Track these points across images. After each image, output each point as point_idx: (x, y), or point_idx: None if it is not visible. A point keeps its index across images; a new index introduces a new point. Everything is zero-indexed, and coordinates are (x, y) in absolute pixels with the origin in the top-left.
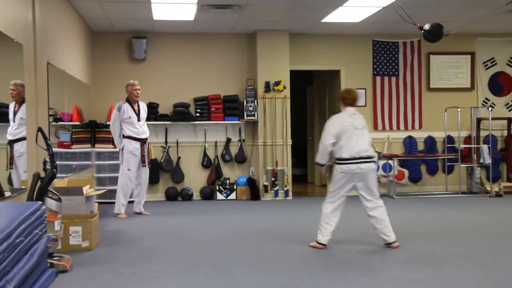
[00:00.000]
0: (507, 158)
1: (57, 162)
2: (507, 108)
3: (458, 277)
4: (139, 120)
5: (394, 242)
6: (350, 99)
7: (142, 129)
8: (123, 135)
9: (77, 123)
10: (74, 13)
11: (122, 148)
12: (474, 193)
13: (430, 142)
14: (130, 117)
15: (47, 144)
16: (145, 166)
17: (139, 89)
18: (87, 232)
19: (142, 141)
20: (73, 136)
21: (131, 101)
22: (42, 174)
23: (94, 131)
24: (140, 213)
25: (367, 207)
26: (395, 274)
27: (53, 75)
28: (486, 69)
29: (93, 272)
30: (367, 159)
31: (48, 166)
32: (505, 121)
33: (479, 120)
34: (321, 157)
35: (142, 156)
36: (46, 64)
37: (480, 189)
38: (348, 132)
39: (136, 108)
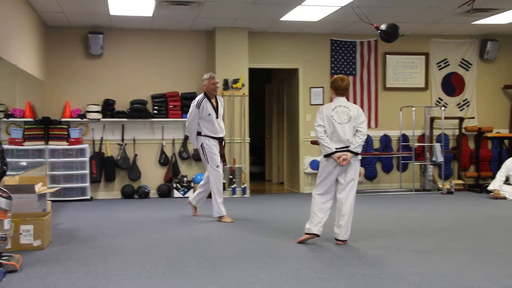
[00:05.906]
0: (458, 156)
1: (8, 159)
2: (459, 108)
3: (411, 272)
4: (217, 117)
5: (344, 241)
6: (343, 89)
7: (220, 126)
8: (199, 133)
9: (30, 119)
10: (27, 6)
11: (202, 146)
12: (427, 191)
13: (385, 140)
14: (209, 114)
15: None
16: (225, 164)
17: (217, 82)
18: (39, 230)
19: (220, 140)
20: (25, 133)
21: (209, 96)
22: None
23: (48, 127)
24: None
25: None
26: (350, 270)
27: (4, 69)
28: (440, 69)
29: (45, 272)
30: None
31: None
32: (457, 121)
33: (432, 119)
34: (325, 147)
35: (222, 156)
36: None
37: (433, 187)
38: (330, 126)
39: (214, 103)
